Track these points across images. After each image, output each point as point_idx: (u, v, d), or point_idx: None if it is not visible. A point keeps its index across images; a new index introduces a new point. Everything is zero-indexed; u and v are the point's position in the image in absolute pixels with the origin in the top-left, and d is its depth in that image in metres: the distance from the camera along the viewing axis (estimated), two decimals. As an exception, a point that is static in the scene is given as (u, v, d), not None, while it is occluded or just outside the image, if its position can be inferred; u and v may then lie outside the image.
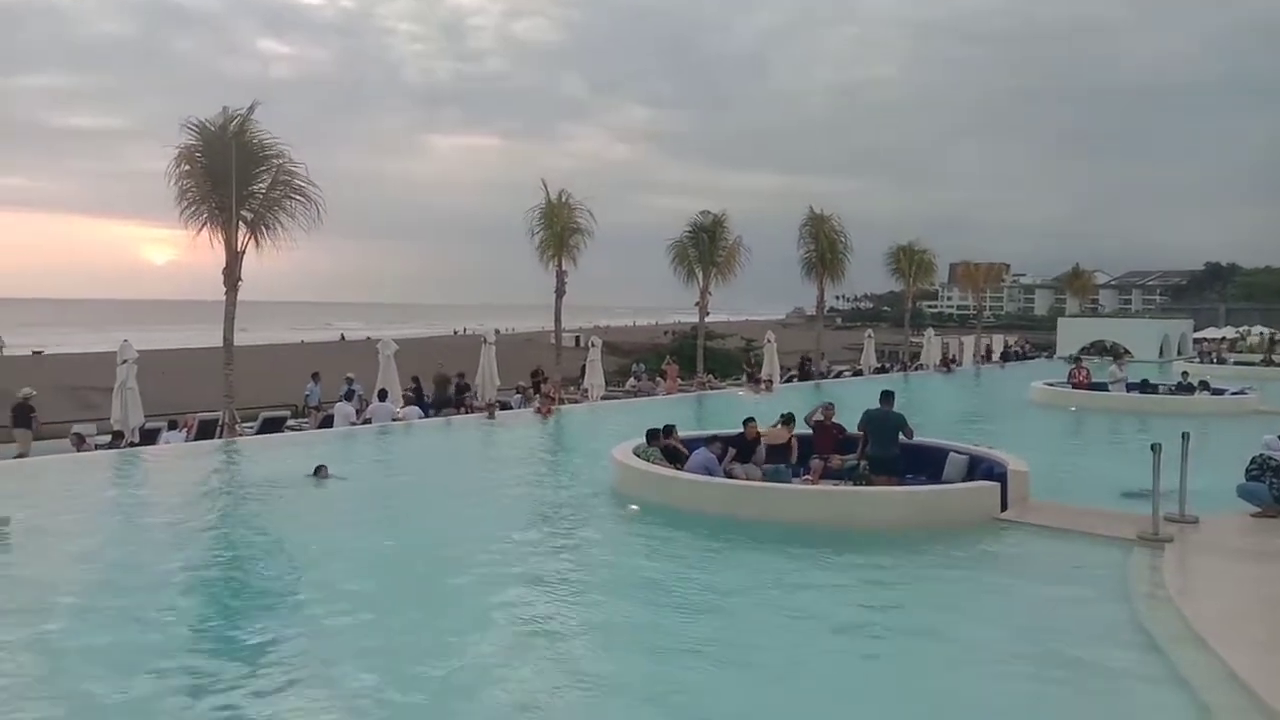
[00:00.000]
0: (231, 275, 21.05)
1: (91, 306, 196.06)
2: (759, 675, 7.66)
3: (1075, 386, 31.24)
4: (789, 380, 37.92)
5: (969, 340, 54.79)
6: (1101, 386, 31.48)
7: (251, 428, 22.53)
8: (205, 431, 21.65)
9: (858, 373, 43.30)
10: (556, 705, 7.07)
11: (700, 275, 35.20)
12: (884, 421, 14.54)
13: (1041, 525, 12.31)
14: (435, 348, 51.56)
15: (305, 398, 27.40)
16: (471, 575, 10.29)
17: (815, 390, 32.44)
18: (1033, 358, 57.83)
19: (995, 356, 53.87)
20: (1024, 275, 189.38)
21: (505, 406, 26.46)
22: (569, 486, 15.90)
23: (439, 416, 24.87)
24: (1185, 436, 12.15)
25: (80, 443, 20.33)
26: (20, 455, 19.24)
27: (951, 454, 14.91)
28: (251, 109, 21.06)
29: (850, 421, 15.42)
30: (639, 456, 14.67)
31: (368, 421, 22.78)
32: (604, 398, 30.61)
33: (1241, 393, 29.62)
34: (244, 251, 21.09)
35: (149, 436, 20.88)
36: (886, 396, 14.89)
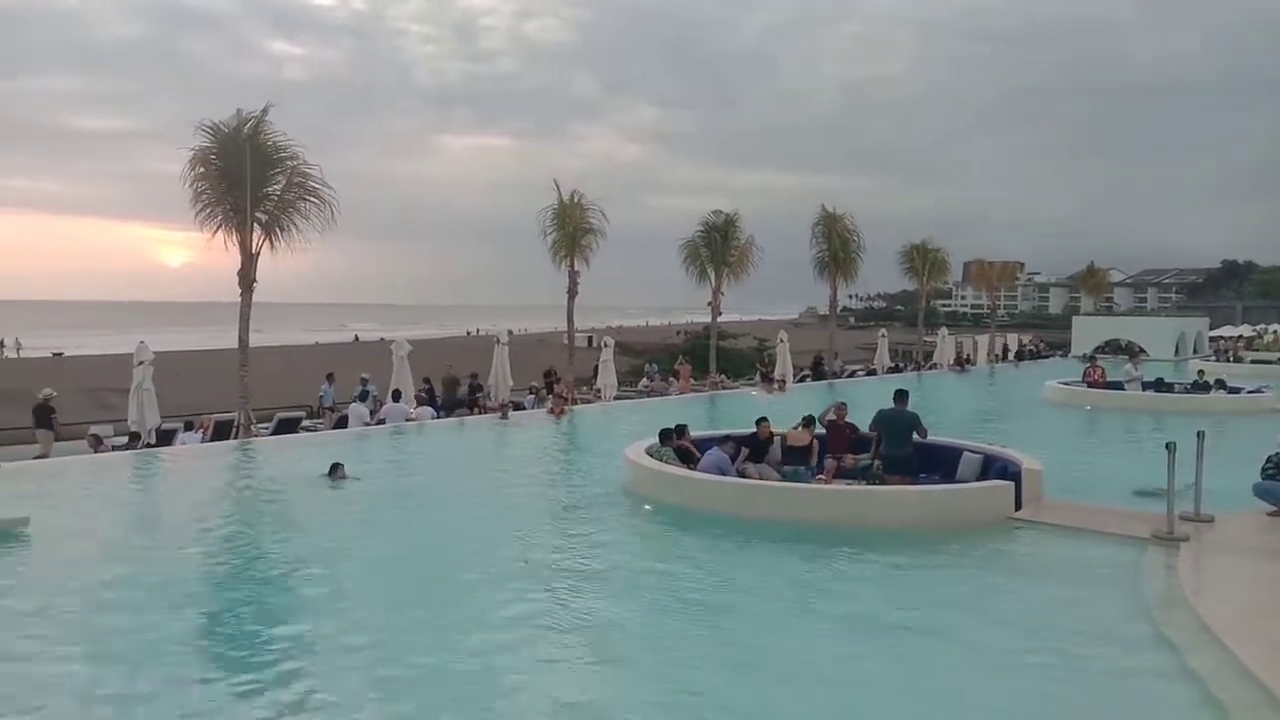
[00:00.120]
0: (246, 277, 21.18)
1: (107, 309, 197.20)
2: (770, 675, 7.68)
3: (1090, 385, 31.11)
4: (802, 380, 37.89)
5: (983, 339, 54.59)
6: (1117, 385, 31.33)
7: (267, 429, 22.65)
8: (221, 432, 21.77)
9: (871, 372, 43.20)
10: (566, 703, 7.10)
11: (713, 275, 35.20)
12: (898, 421, 14.52)
13: (1056, 524, 12.28)
14: (449, 349, 51.68)
15: (320, 399, 27.52)
16: (484, 574, 10.33)
17: (829, 390, 32.40)
18: (1047, 357, 57.58)
19: (1010, 355, 53.66)
20: (1038, 274, 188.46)
21: (519, 407, 26.53)
22: (582, 486, 15.93)
23: (451, 417, 24.93)
24: (1200, 435, 12.11)
25: (98, 444, 20.48)
26: (42, 456, 19.41)
27: (965, 453, 14.89)
28: (265, 111, 21.18)
29: (863, 421, 15.41)
30: (652, 456, 14.69)
31: (381, 422, 22.87)
32: (617, 398, 30.65)
33: (1258, 391, 29.44)
34: (259, 253, 21.21)
35: (165, 437, 21.02)
36: (900, 396, 14.87)
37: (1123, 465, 17.27)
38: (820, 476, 14.88)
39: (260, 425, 22.20)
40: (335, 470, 15.44)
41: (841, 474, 14.96)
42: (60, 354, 69.18)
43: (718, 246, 34.96)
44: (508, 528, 12.51)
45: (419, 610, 9.22)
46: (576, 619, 9.00)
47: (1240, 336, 64.79)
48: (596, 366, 31.90)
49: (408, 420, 22.94)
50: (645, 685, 7.51)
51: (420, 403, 25.44)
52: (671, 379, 35.03)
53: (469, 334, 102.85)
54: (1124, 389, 30.67)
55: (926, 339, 50.79)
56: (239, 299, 21.43)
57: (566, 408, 25.12)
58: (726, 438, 15.40)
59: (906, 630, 8.81)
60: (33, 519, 12.03)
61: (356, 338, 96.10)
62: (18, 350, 72.52)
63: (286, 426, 23.26)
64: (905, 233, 60.86)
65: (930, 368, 46.43)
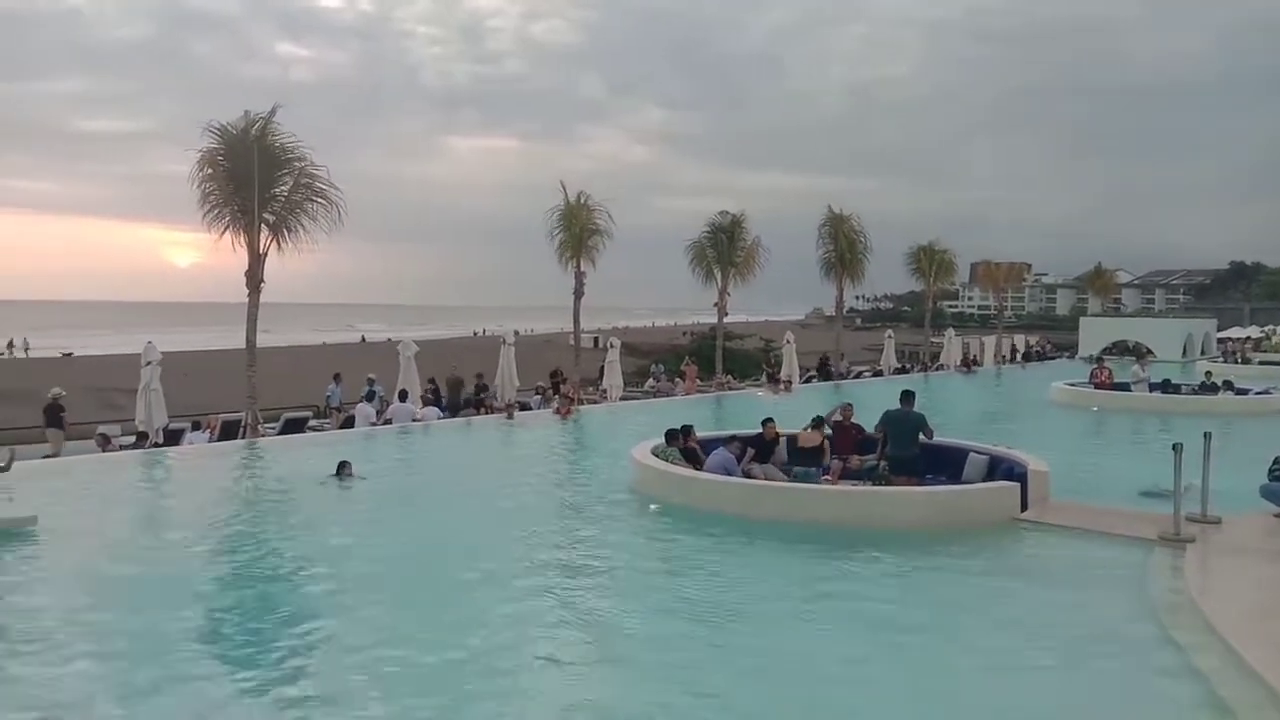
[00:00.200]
0: (254, 277, 21.26)
1: (115, 309, 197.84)
2: (774, 675, 7.68)
3: (1097, 387, 31.05)
4: (808, 380, 37.87)
5: (990, 340, 54.49)
6: (1124, 387, 31.27)
7: (274, 429, 22.72)
8: (228, 432, 21.84)
9: (878, 373, 43.16)
10: (569, 703, 7.12)
11: (719, 276, 35.22)
12: (904, 422, 14.51)
13: (1062, 525, 12.26)
14: (455, 349, 51.74)
15: (326, 399, 27.58)
16: (490, 574, 10.35)
17: (835, 391, 32.39)
18: (1054, 358, 57.46)
19: (1018, 357, 53.56)
20: (1046, 274, 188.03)
21: (525, 407, 26.57)
22: (588, 486, 15.95)
23: (458, 417, 24.97)
24: (1207, 436, 12.08)
25: (105, 443, 20.56)
26: (52, 455, 19.52)
27: (971, 454, 14.87)
28: (273, 112, 21.29)
29: (870, 422, 15.41)
30: (658, 457, 14.71)
31: (388, 422, 22.92)
32: (623, 398, 30.68)
33: (1266, 392, 29.36)
34: (266, 254, 21.30)
35: (173, 437, 21.10)
36: (907, 396, 14.87)
37: (1129, 466, 17.24)
38: (826, 477, 14.89)
39: (267, 425, 22.28)
40: (343, 469, 15.48)
41: (847, 475, 14.96)
42: (70, 354, 69.51)
43: (724, 247, 34.99)
44: (514, 527, 12.54)
45: (425, 608, 9.26)
46: (581, 618, 9.03)
47: (1248, 338, 64.61)
48: (602, 367, 31.94)
49: (414, 420, 22.99)
50: (648, 685, 7.51)
51: (426, 403, 25.49)
52: (677, 380, 35.04)
53: (475, 334, 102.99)
54: (1131, 390, 30.60)
55: (933, 340, 50.73)
56: (246, 299, 21.50)
57: (573, 408, 25.16)
58: (732, 438, 15.41)
59: (911, 631, 8.79)
60: (40, 518, 12.09)
61: (363, 338, 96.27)
62: (25, 350, 72.79)
63: (293, 426, 23.33)
64: (912, 234, 61.02)
65: (937, 369, 46.37)
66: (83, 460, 18.44)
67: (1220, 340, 64.06)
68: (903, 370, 44.92)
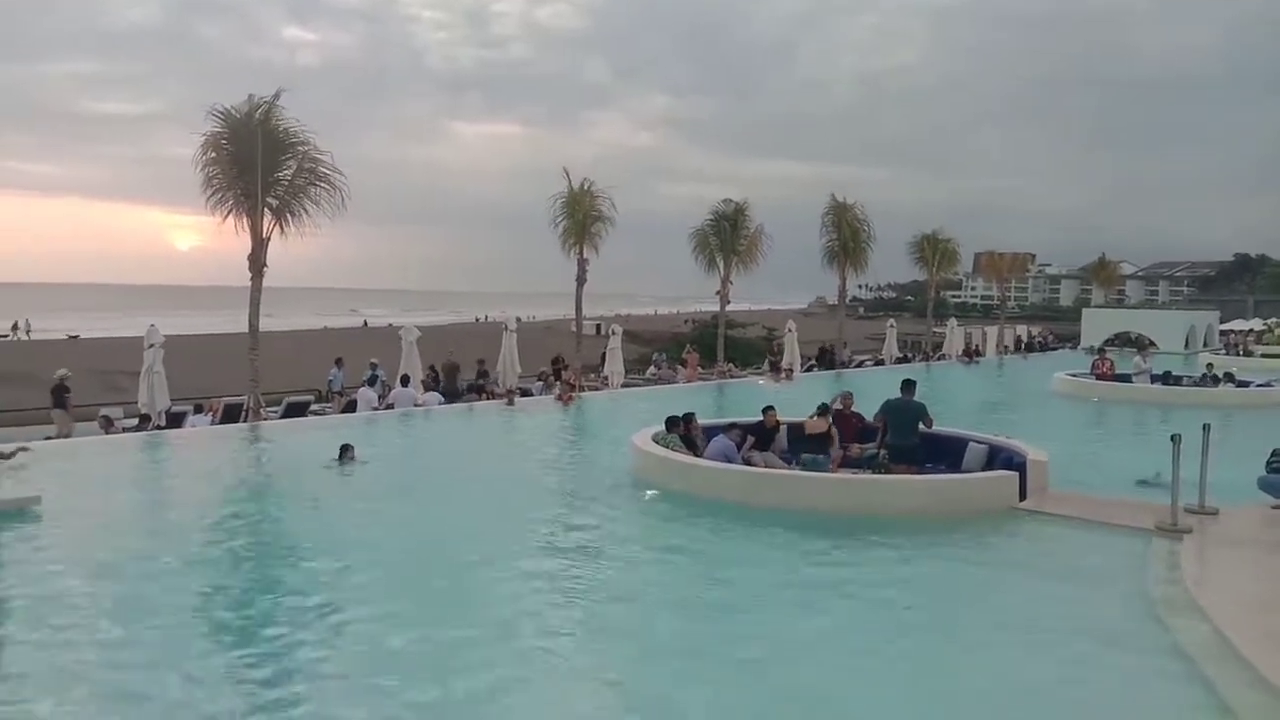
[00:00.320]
0: (257, 261, 21.29)
1: (117, 292, 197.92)
2: (771, 662, 7.73)
3: (1099, 378, 31.06)
4: (809, 369, 37.89)
5: (992, 330, 54.46)
6: (1125, 378, 31.28)
7: (276, 412, 22.79)
8: (230, 415, 21.92)
9: (879, 362, 43.19)
10: (567, 686, 7.18)
11: (721, 264, 35.20)
12: (904, 411, 14.55)
13: (1060, 515, 12.31)
14: (457, 335, 51.78)
15: (329, 383, 27.65)
16: (489, 556, 10.42)
17: (836, 379, 32.43)
18: (1056, 349, 57.45)
19: (1021, 347, 53.55)
20: (1049, 265, 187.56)
21: (526, 393, 26.62)
22: (589, 472, 16.01)
23: (458, 403, 25.02)
24: (1206, 428, 12.12)
25: (108, 425, 20.65)
26: (63, 436, 19.67)
27: (971, 444, 14.91)
28: (277, 96, 21.27)
29: (870, 411, 15.45)
30: (658, 444, 14.76)
31: (390, 407, 22.99)
32: (624, 385, 30.72)
33: (1267, 385, 29.36)
34: (269, 238, 21.32)
35: (175, 420, 21.17)
36: (907, 385, 14.91)
37: (1129, 457, 17.26)
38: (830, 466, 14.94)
39: (269, 409, 22.34)
40: (345, 453, 15.54)
41: (847, 463, 15.00)
42: (76, 336, 69.66)
43: (727, 235, 34.97)
44: (514, 512, 12.61)
45: (424, 590, 9.33)
46: (578, 603, 9.09)
47: (1251, 330, 64.52)
48: (604, 354, 31.97)
49: (415, 405, 23.05)
50: (645, 669, 7.57)
51: (427, 389, 25.55)
52: (679, 367, 35.08)
53: (478, 320, 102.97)
54: (1132, 381, 30.61)
55: (935, 330, 50.71)
56: (249, 283, 21.54)
57: (574, 395, 25.21)
58: (732, 425, 15.45)
59: (908, 617, 8.86)
60: (44, 498, 12.17)
61: (365, 323, 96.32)
62: (26, 333, 72.82)
63: (295, 410, 23.39)
64: (918, 223, 60.95)
65: (939, 359, 46.37)
66: (86, 442, 18.55)
67: (1223, 333, 63.98)
68: (904, 360, 44.93)
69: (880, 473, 14.11)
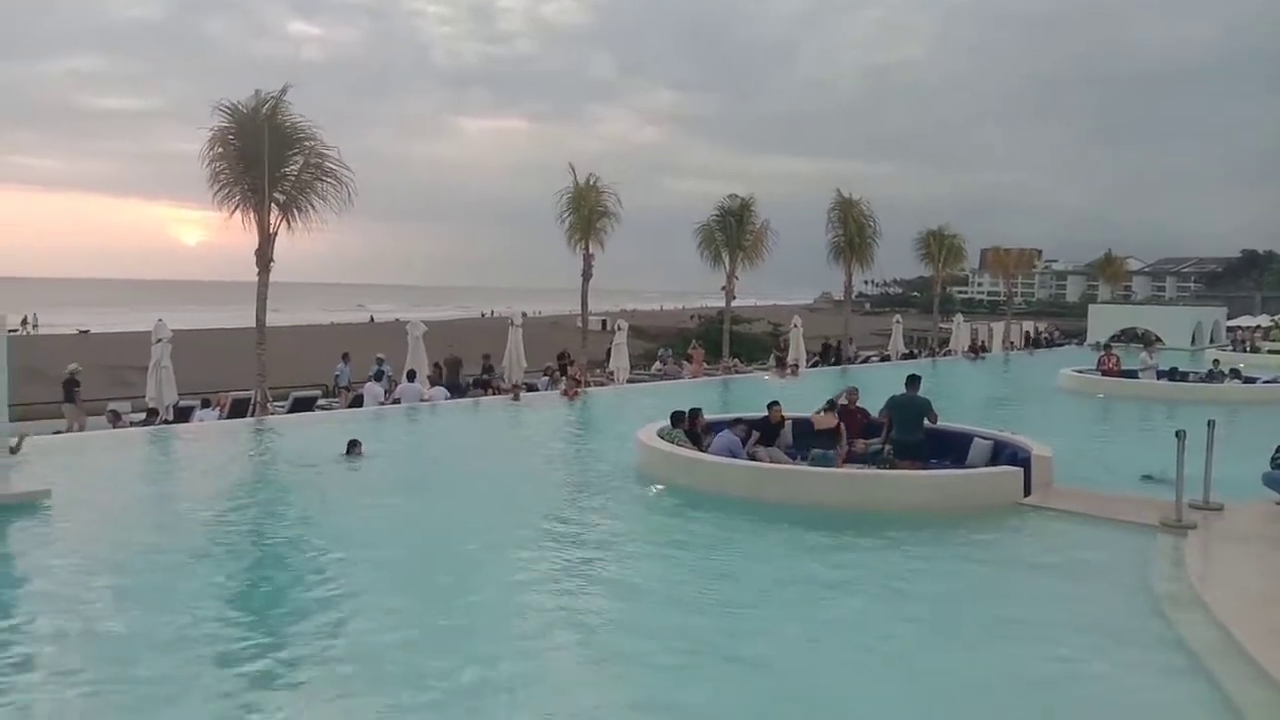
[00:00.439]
0: (264, 256, 21.35)
1: (123, 287, 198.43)
2: (774, 657, 7.77)
3: (1105, 374, 31.03)
4: (814, 365, 37.90)
5: (999, 326, 54.38)
6: (1131, 374, 31.24)
7: (283, 407, 22.87)
8: (238, 410, 21.99)
9: (885, 358, 43.17)
10: (575, 678, 7.23)
11: (727, 259, 35.20)
12: (909, 406, 14.58)
13: (1064, 510, 12.33)
14: (463, 330, 51.91)
15: (335, 378, 27.75)
16: (495, 552, 10.47)
17: (841, 375, 32.43)
18: (1062, 344, 57.35)
19: (1027, 343, 53.46)
20: (1056, 261, 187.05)
21: (531, 388, 26.67)
22: (594, 467, 16.06)
23: (464, 398, 25.07)
24: (1211, 424, 12.12)
25: (116, 419, 20.74)
26: (77, 429, 19.83)
27: (976, 439, 14.93)
28: (283, 91, 21.32)
29: (875, 407, 15.48)
30: (663, 439, 14.80)
31: (396, 401, 23.06)
32: (630, 381, 30.76)
33: (1274, 381, 29.30)
34: (276, 233, 21.38)
35: (183, 414, 21.26)
36: (912, 381, 14.94)
37: (1134, 453, 17.26)
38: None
39: (276, 403, 22.42)
40: (352, 448, 15.61)
41: (852, 459, 15.02)
42: (86, 331, 69.95)
43: (732, 231, 34.96)
44: (519, 506, 12.66)
45: (429, 583, 9.38)
46: (582, 597, 9.15)
47: (1258, 326, 64.30)
48: (609, 349, 32.01)
49: (422, 400, 23.12)
50: (648, 662, 7.61)
51: (434, 384, 25.61)
52: (684, 362, 35.11)
53: (483, 316, 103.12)
54: (1138, 377, 30.57)
55: (942, 326, 50.65)
56: (256, 278, 21.61)
57: (579, 390, 25.26)
58: (737, 421, 15.48)
59: (910, 611, 8.89)
60: (54, 491, 12.26)
61: (372, 318, 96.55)
62: (34, 328, 73.01)
63: (302, 405, 23.46)
64: (924, 219, 60.61)
65: (945, 354, 46.33)
66: (94, 436, 18.66)
67: (1230, 328, 63.82)
68: (910, 355, 44.89)
69: (885, 468, 14.15)
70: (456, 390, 25.88)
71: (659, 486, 13.71)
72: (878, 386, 18.33)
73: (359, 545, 10.68)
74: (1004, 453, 14.14)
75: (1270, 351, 48.19)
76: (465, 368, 28.74)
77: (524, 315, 30.86)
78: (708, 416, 16.06)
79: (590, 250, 29.99)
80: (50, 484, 12.52)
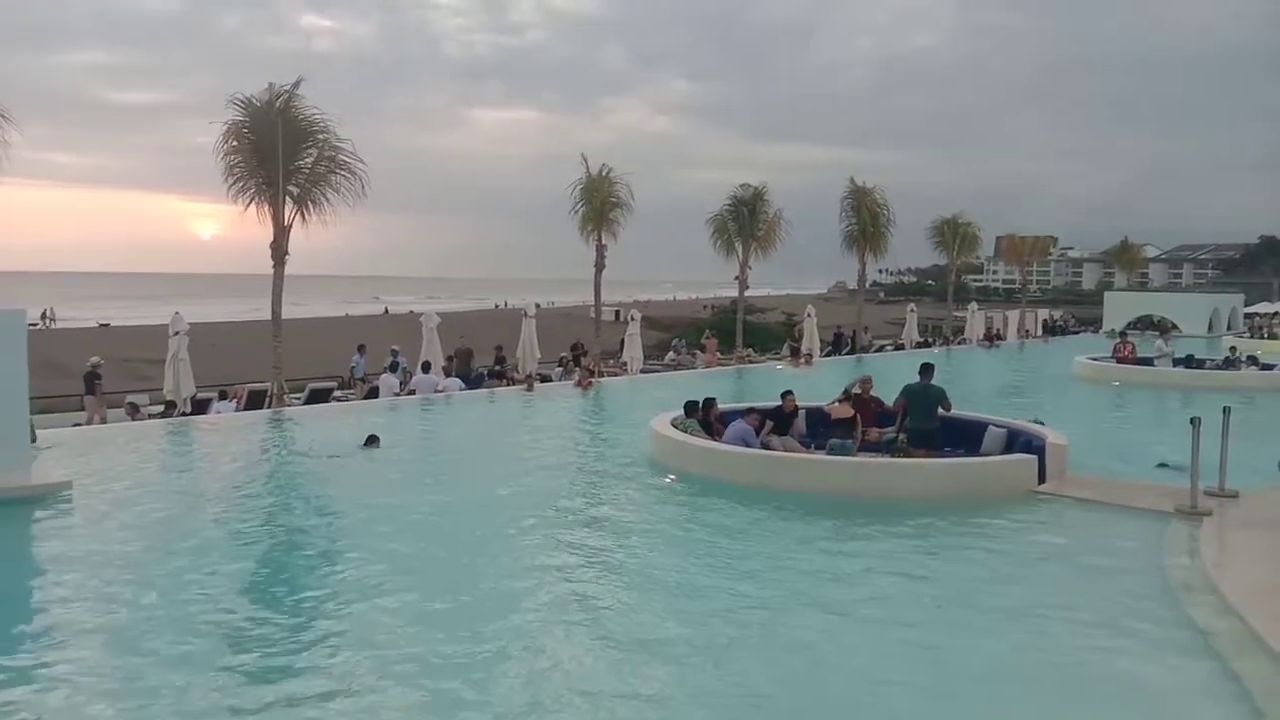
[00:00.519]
0: (279, 249, 21.47)
1: (140, 280, 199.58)
2: (785, 640, 7.84)
3: (1120, 361, 30.91)
4: (828, 354, 37.84)
5: (1014, 314, 54.17)
6: (1147, 361, 31.10)
7: (299, 399, 23.02)
8: (254, 402, 22.14)
9: (899, 347, 43.07)
10: (588, 666, 7.29)
11: (740, 249, 35.15)
12: (924, 395, 14.60)
13: (1079, 498, 12.34)
14: (477, 321, 52.07)
15: (351, 369, 27.88)
16: (509, 539, 10.55)
17: (856, 364, 32.40)
18: (1077, 332, 57.10)
19: (1040, 331, 53.26)
20: (1072, 249, 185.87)
21: (545, 379, 26.76)
22: (608, 457, 16.12)
23: (480, 389, 25.17)
24: (1226, 411, 12.07)
25: (134, 412, 20.94)
26: (98, 421, 20.06)
27: (990, 427, 14.93)
28: (297, 85, 21.40)
29: (889, 396, 15.49)
30: (677, 428, 14.85)
31: (411, 393, 23.18)
32: (643, 371, 30.82)
33: (1291, 368, 29.12)
34: (290, 226, 21.49)
35: (200, 406, 21.43)
36: (926, 369, 14.94)
37: (1149, 441, 17.24)
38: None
39: (292, 395, 22.57)
40: (371, 441, 15.75)
41: (866, 447, 15.04)
42: (107, 324, 70.51)
43: (745, 220, 34.91)
44: (534, 495, 12.73)
45: (451, 573, 9.47)
46: (599, 582, 9.21)
47: (1276, 313, 63.85)
48: (623, 340, 32.07)
49: (436, 391, 23.23)
50: (662, 647, 7.66)
51: (448, 375, 25.72)
52: (697, 353, 35.13)
53: (497, 307, 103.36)
54: (1154, 365, 30.43)
55: (956, 314, 50.48)
56: (270, 271, 21.73)
57: (593, 380, 25.32)
58: (750, 410, 15.52)
59: (925, 598, 8.93)
60: (75, 483, 12.41)
61: (387, 310, 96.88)
62: (51, 322, 73.47)
63: (318, 397, 23.61)
64: (938, 207, 60.64)
65: (959, 343, 46.19)
66: (114, 428, 18.84)
67: (1248, 315, 63.36)
68: (925, 344, 44.78)
69: (899, 456, 14.16)
70: (469, 381, 25.99)
71: (672, 476, 13.77)
72: (892, 375, 18.31)
73: (375, 532, 10.76)
74: (1018, 441, 14.14)
75: (1288, 338, 47.88)
76: (477, 359, 28.84)
77: (537, 306, 30.94)
78: (721, 406, 16.10)
79: (603, 241, 30.03)
80: (71, 475, 12.67)
